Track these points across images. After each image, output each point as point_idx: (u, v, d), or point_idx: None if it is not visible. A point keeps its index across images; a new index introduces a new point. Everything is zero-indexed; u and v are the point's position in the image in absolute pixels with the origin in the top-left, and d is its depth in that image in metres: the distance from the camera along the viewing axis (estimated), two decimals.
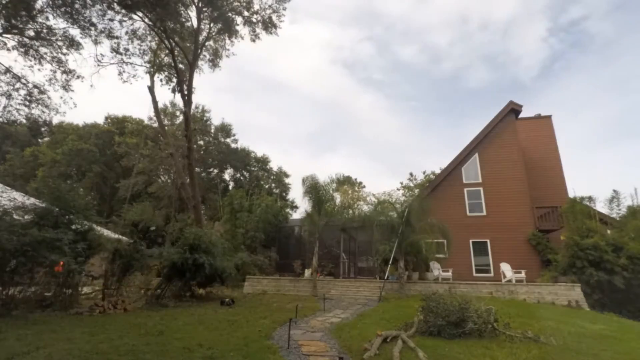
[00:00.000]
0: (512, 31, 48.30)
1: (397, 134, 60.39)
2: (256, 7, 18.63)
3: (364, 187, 35.78)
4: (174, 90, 19.69)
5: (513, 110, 19.02)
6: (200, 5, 18.10)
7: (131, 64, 18.09)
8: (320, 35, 59.87)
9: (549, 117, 20.91)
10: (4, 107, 14.01)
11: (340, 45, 60.45)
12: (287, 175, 36.60)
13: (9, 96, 14.02)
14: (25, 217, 8.54)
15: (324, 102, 64.20)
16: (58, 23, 13.92)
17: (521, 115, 19.67)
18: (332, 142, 67.10)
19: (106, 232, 12.90)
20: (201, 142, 33.50)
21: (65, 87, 15.03)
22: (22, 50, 13.79)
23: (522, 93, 53.14)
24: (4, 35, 13.15)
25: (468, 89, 55.75)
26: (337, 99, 63.74)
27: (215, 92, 59.04)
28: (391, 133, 61.67)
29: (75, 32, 14.41)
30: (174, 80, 19.67)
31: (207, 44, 20.36)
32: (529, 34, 47.65)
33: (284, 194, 35.24)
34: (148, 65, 19.64)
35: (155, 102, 20.53)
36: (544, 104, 50.82)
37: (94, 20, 14.28)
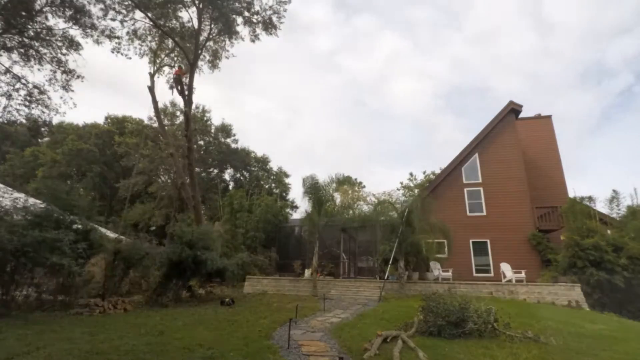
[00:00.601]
0: (607, 79, 56.95)
1: None
2: (257, 7, 18.61)
3: (364, 187, 35.80)
4: (174, 83, 19.60)
5: (513, 110, 19.01)
6: (201, 5, 18.10)
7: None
8: (435, 73, 63.87)
9: (549, 117, 20.93)
10: (4, 107, 13.96)
11: (448, 80, 64.72)
12: (287, 175, 36.57)
13: (9, 96, 13.98)
14: (27, 217, 8.53)
15: (412, 121, 67.70)
16: (58, 23, 13.94)
17: (521, 115, 19.69)
18: (409, 159, 69.30)
19: (105, 232, 12.86)
20: (201, 142, 33.45)
21: (65, 87, 14.99)
22: (22, 50, 13.78)
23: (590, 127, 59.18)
24: (4, 35, 13.14)
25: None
26: (426, 121, 66.98)
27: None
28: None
29: (75, 32, 14.43)
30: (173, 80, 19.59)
31: (207, 44, 20.36)
32: (614, 85, 56.32)
33: (284, 194, 35.18)
34: (148, 66, 19.65)
35: (155, 102, 20.49)
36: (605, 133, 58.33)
37: (94, 20, 14.31)
